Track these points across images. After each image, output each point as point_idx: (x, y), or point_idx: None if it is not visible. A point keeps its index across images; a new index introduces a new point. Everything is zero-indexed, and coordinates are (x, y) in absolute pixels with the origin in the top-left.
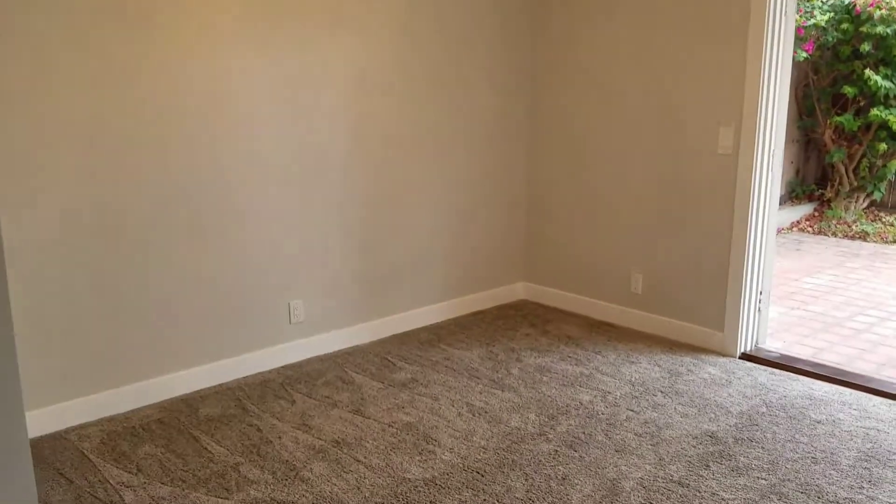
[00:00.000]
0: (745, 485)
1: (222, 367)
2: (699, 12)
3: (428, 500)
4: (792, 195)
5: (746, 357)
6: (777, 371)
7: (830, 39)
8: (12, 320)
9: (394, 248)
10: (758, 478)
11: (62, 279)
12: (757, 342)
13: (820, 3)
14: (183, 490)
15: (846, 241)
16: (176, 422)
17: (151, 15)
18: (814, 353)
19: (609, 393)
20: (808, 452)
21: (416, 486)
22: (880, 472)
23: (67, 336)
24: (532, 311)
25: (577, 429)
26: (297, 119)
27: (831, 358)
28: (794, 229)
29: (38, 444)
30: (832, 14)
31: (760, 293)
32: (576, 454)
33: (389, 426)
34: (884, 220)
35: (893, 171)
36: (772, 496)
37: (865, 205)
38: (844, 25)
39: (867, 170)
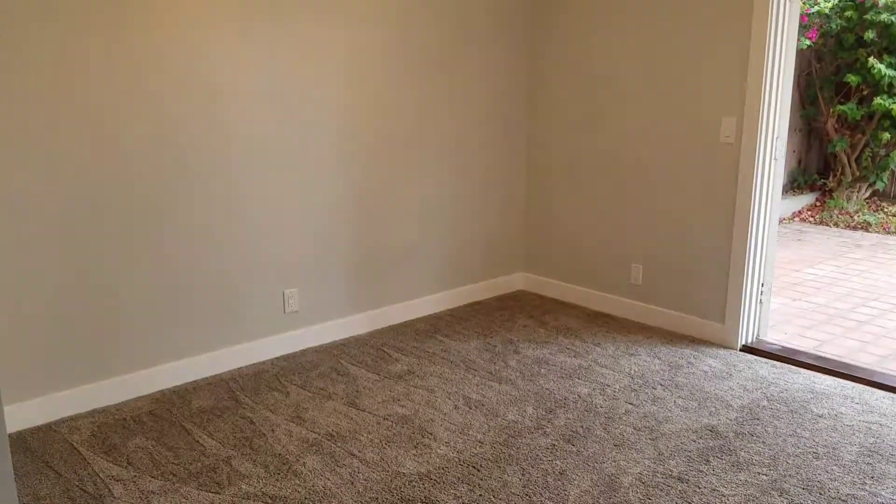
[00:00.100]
0: (746, 480)
1: (215, 357)
2: None
3: (422, 495)
4: (794, 185)
5: (747, 349)
6: (778, 364)
7: (834, 27)
8: None
9: (391, 237)
10: (758, 473)
11: (52, 268)
12: (758, 334)
13: None
14: (173, 484)
15: (848, 232)
16: (168, 414)
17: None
18: (816, 346)
19: (608, 386)
20: (810, 447)
21: (411, 481)
22: (883, 467)
23: (57, 326)
24: (531, 301)
25: (575, 422)
26: (292, 108)
27: (833, 350)
28: (796, 219)
29: (26, 437)
30: (836, 1)
31: (762, 284)
32: (573, 448)
33: (385, 419)
34: (886, 210)
35: None
36: (773, 492)
37: (868, 195)
38: (848, 13)
39: (870, 159)
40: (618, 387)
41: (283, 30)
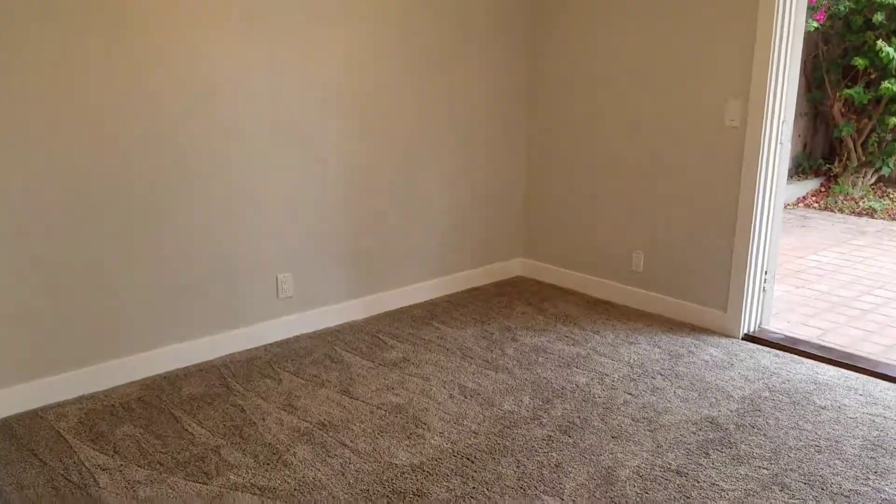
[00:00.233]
0: (746, 474)
1: (207, 343)
2: None
3: (414, 487)
4: (798, 170)
5: (749, 338)
6: (781, 353)
7: (842, 9)
8: None
9: (388, 221)
10: (759, 467)
11: (40, 251)
12: (761, 323)
13: None
14: (160, 474)
15: (853, 218)
16: (157, 401)
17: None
18: (819, 335)
19: (606, 375)
20: (812, 440)
21: (403, 473)
22: (887, 462)
23: (46, 310)
24: (529, 288)
25: (572, 413)
26: (287, 92)
27: (837, 340)
28: (800, 205)
29: (12, 423)
30: None
31: (765, 272)
32: (570, 440)
33: (378, 408)
34: (892, 196)
35: None
36: (773, 487)
37: (873, 180)
38: None
39: (876, 144)
40: (616, 376)
41: (283, 30)
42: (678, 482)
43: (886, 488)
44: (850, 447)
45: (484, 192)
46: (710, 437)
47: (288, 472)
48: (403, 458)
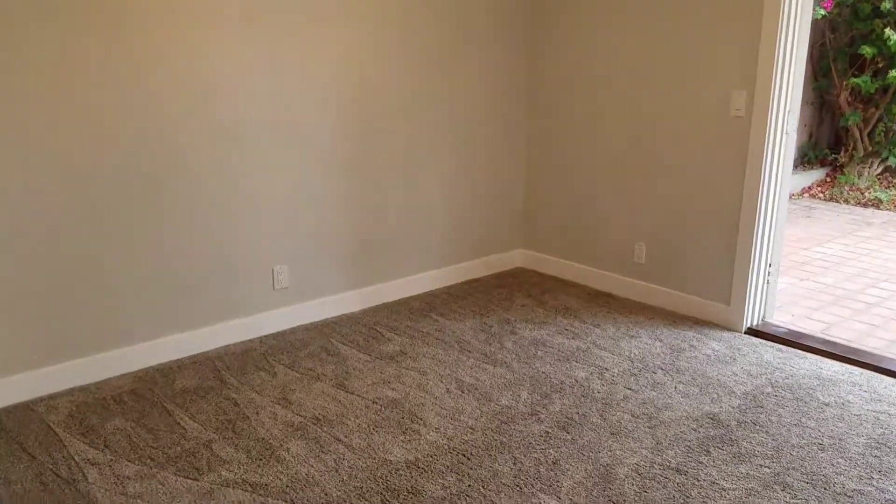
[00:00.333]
0: (748, 473)
1: (202, 334)
2: None
3: (409, 484)
4: (804, 159)
5: (752, 332)
6: (784, 348)
7: None
8: None
9: (386, 211)
10: (761, 465)
11: (33, 243)
12: (764, 316)
13: None
14: (150, 469)
15: (859, 209)
16: (150, 393)
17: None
18: (823, 329)
19: (606, 370)
20: (815, 438)
21: (398, 469)
22: (891, 461)
23: (38, 301)
24: (529, 279)
25: (570, 408)
26: (287, 92)
27: (841, 334)
28: (805, 195)
29: (2, 416)
30: None
31: (769, 265)
32: (568, 436)
33: (374, 402)
34: None
35: None
36: (775, 486)
37: (879, 171)
38: None
39: (882, 134)
40: (617, 371)
41: (283, 30)
42: (678, 480)
43: (891, 488)
44: (853, 445)
45: (485, 184)
46: (711, 434)
47: (280, 468)
48: (398, 455)
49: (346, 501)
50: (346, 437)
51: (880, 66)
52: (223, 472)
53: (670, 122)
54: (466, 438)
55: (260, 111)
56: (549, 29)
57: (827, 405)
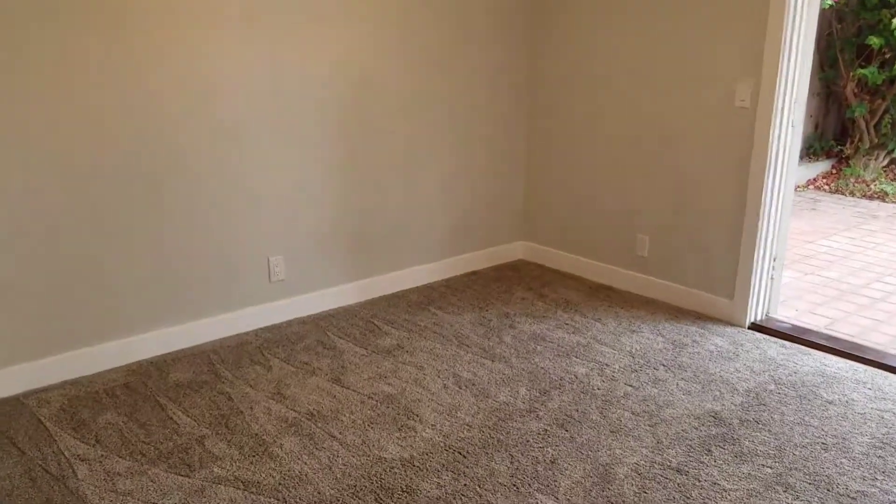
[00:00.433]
0: (749, 473)
1: (196, 327)
2: None
3: (403, 483)
4: (809, 151)
5: (756, 327)
6: (788, 343)
7: None
8: None
9: (385, 202)
10: (763, 465)
11: (33, 242)
12: (768, 311)
13: None
14: (141, 465)
15: (864, 201)
16: (143, 387)
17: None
18: (827, 324)
19: (607, 365)
20: (819, 437)
21: (392, 467)
22: (895, 461)
23: (30, 292)
24: (530, 272)
25: (569, 406)
26: (287, 91)
27: (845, 329)
28: (811, 187)
29: None
30: None
31: (774, 259)
32: (567, 434)
33: (369, 398)
34: None
35: None
36: (777, 487)
37: (885, 163)
38: None
39: (889, 126)
40: (617, 366)
41: (283, 30)
42: (678, 481)
43: (895, 490)
44: (857, 445)
45: (485, 180)
46: (713, 432)
47: (273, 465)
48: (393, 452)
49: (339, 500)
50: (340, 433)
51: (887, 56)
52: (215, 469)
53: (673, 113)
54: (463, 436)
55: (260, 111)
56: (549, 29)
57: (831, 403)
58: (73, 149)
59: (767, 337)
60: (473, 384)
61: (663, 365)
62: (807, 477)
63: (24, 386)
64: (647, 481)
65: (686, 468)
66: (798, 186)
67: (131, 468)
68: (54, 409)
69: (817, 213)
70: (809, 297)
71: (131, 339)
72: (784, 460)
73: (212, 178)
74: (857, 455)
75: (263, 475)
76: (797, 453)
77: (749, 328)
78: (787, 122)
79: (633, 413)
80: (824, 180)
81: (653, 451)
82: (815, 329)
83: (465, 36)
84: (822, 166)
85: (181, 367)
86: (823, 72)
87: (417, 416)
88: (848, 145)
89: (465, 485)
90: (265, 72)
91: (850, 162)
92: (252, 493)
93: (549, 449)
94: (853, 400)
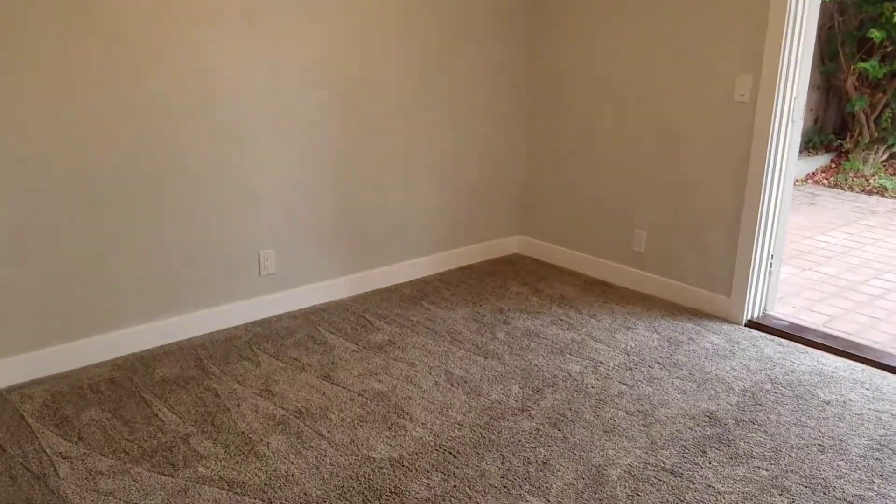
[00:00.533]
0: (744, 476)
1: (185, 321)
2: None
3: (392, 484)
4: (809, 145)
5: (753, 325)
6: (785, 342)
7: None
8: None
9: (384, 201)
10: (758, 467)
11: (26, 231)
12: (765, 308)
13: None
14: (124, 464)
15: (863, 196)
16: (128, 382)
17: None
18: (825, 322)
19: (601, 363)
20: (815, 438)
21: (381, 467)
22: (893, 463)
23: (13, 284)
24: (525, 266)
25: (563, 404)
26: (287, 92)
27: (843, 327)
28: (809, 181)
29: None
30: None
31: (772, 255)
32: (560, 434)
33: (359, 395)
34: None
35: None
36: (772, 490)
37: (885, 157)
38: None
39: (889, 120)
40: (612, 364)
41: (283, 30)
42: (672, 483)
43: (892, 493)
44: (854, 447)
45: (483, 170)
46: (708, 433)
47: (259, 465)
48: (382, 452)
49: (325, 501)
50: (328, 432)
51: (889, 50)
52: (199, 468)
53: (672, 112)
54: (454, 435)
55: (260, 111)
56: (549, 29)
57: (828, 403)
58: (73, 149)
59: (764, 335)
60: (465, 382)
61: (658, 363)
62: (803, 480)
63: (6, 381)
64: (641, 483)
65: (680, 470)
66: (797, 180)
67: (113, 467)
68: (37, 405)
69: (816, 207)
70: (807, 294)
71: (118, 333)
72: (780, 462)
73: (214, 181)
74: (854, 457)
75: (249, 475)
76: (793, 455)
77: (746, 325)
78: (787, 119)
79: (627, 412)
80: (823, 174)
81: (646, 452)
82: (812, 327)
83: (465, 36)
84: (822, 160)
85: (168, 361)
86: (824, 65)
87: (408, 414)
88: (848, 139)
89: (454, 486)
90: (265, 72)
91: (849, 156)
92: (237, 493)
93: (541, 449)
94: (851, 400)
